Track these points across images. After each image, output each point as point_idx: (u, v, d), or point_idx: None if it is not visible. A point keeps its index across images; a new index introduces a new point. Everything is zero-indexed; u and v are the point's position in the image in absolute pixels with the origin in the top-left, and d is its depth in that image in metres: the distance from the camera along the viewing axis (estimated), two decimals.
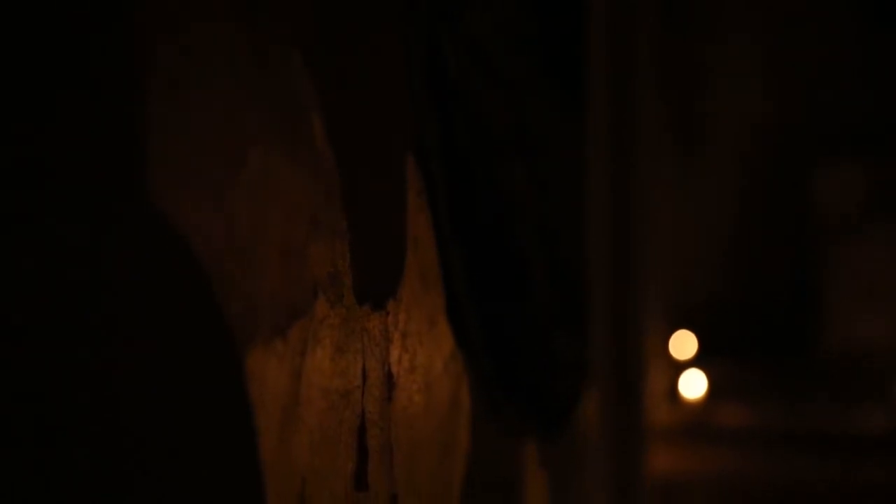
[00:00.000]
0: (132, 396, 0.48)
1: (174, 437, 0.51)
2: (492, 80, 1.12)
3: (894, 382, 3.30)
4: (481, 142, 1.02)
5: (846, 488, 3.22)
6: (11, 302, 0.40)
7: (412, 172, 0.86)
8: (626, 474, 2.75)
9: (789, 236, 3.65)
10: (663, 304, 3.52)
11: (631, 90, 2.60)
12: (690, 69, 3.53)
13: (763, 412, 3.38)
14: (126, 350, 0.48)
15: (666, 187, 3.45)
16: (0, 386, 0.40)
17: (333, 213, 0.69)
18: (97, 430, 0.46)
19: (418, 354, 0.86)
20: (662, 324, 3.52)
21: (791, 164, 3.59)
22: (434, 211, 0.91)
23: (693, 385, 3.43)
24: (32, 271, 0.42)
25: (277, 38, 0.64)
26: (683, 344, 3.61)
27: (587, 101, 1.87)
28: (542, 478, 1.41)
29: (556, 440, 1.53)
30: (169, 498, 0.51)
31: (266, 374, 0.59)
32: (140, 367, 0.48)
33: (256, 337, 0.58)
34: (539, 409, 1.39)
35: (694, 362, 3.52)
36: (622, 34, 2.44)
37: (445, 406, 0.94)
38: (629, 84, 2.60)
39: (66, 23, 0.44)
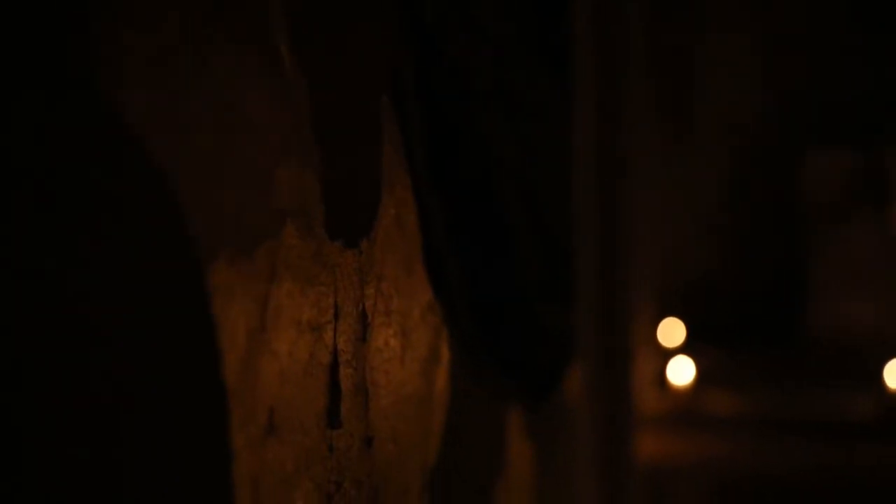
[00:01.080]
0: (84, 290, 0.46)
1: (128, 341, 0.49)
2: (475, 35, 1.11)
3: (882, 368, 3.29)
4: (461, 91, 1.01)
5: (835, 474, 3.21)
6: None
7: (388, 115, 0.84)
8: (615, 459, 2.73)
9: (777, 224, 3.64)
10: (651, 291, 3.51)
11: (619, 75, 2.58)
12: (681, 56, 3.52)
13: (751, 399, 3.37)
14: (79, 250, 0.46)
15: (654, 176, 3.44)
16: None
17: (302, 142, 0.67)
18: (52, 336, 0.45)
19: (394, 299, 0.84)
20: (650, 311, 3.51)
21: (779, 152, 3.58)
22: (410, 158, 0.89)
23: (681, 372, 3.42)
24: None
25: None
26: (671, 332, 3.60)
27: (574, 82, 1.86)
28: (527, 447, 1.40)
29: (541, 411, 1.52)
30: (121, 413, 0.50)
31: (231, 293, 0.57)
32: (93, 266, 0.47)
33: (220, 253, 0.56)
34: (522, 376, 1.38)
35: (682, 350, 3.51)
36: (610, 12, 2.42)
37: (423, 356, 0.92)
38: (616, 68, 2.59)
39: None
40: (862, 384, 3.34)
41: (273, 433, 0.62)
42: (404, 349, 0.87)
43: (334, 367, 0.72)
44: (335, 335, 0.72)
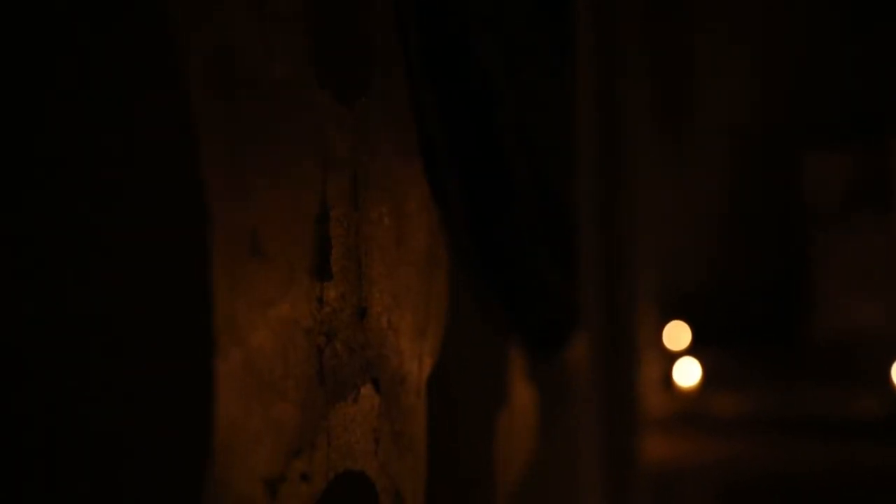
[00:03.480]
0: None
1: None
2: None
3: (886, 368, 3.24)
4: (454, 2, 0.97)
5: (840, 473, 3.16)
6: None
7: None
8: (621, 460, 2.68)
9: (779, 226, 3.60)
10: (657, 294, 3.46)
11: (620, 74, 2.56)
12: (680, 60, 3.50)
13: (756, 400, 3.32)
14: None
15: (656, 180, 3.40)
16: None
17: None
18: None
19: (388, 179, 0.80)
20: (655, 315, 3.46)
21: (780, 154, 3.55)
22: (404, 41, 0.85)
23: (687, 374, 3.37)
24: None
25: None
26: (677, 334, 3.55)
27: (575, 61, 1.83)
28: (530, 393, 1.35)
29: (542, 364, 1.47)
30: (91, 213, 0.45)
31: (203, 111, 0.53)
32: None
33: (187, 67, 0.52)
34: (521, 320, 1.33)
35: (687, 353, 3.46)
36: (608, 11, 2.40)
37: (420, 250, 0.88)
38: (616, 67, 2.57)
39: None
40: (867, 384, 3.29)
41: (256, 254, 0.58)
42: (400, 234, 0.82)
43: (323, 220, 0.67)
44: (324, 185, 0.67)
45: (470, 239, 1.09)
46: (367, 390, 0.74)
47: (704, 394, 3.37)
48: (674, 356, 3.48)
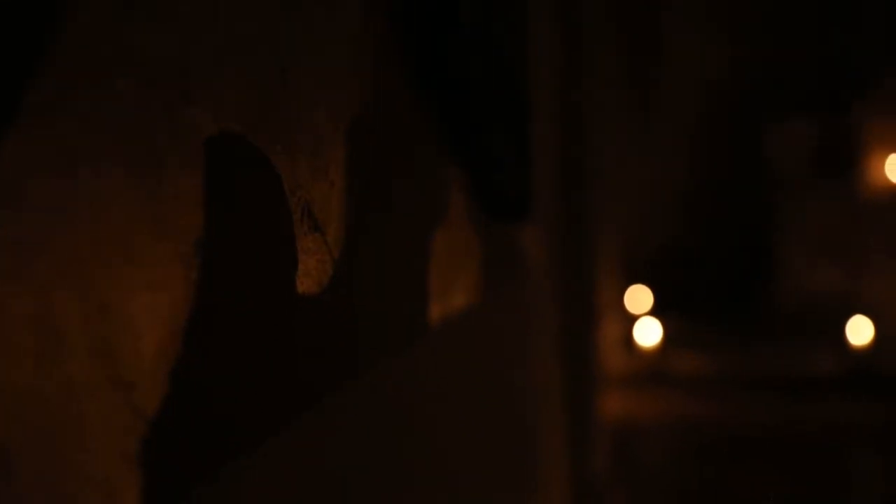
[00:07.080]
0: None
1: None
2: None
3: (842, 327, 3.21)
4: None
5: (797, 428, 3.13)
6: None
7: None
8: (581, 417, 2.64)
9: (742, 191, 3.57)
10: (618, 258, 3.42)
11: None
12: (647, 30, 3.47)
13: (717, 359, 3.28)
14: None
15: (621, 145, 3.37)
16: None
17: None
18: None
19: None
20: (617, 278, 3.41)
21: (744, 120, 3.52)
22: None
23: (648, 333, 3.32)
24: None
25: None
26: (639, 298, 3.50)
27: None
28: (473, 239, 1.30)
29: (488, 224, 1.42)
30: None
31: None
32: None
33: None
34: (470, 173, 1.29)
35: (649, 315, 3.41)
36: None
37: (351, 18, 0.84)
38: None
39: None
40: (824, 343, 3.27)
41: None
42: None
43: None
44: None
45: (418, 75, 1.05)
46: None
47: (665, 354, 3.33)
48: (635, 319, 3.43)
